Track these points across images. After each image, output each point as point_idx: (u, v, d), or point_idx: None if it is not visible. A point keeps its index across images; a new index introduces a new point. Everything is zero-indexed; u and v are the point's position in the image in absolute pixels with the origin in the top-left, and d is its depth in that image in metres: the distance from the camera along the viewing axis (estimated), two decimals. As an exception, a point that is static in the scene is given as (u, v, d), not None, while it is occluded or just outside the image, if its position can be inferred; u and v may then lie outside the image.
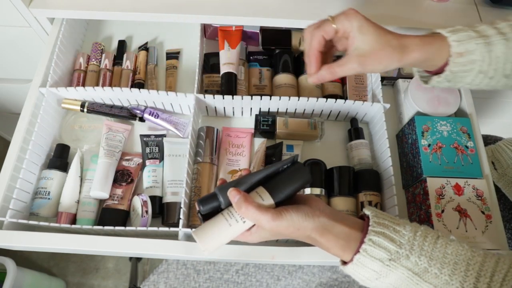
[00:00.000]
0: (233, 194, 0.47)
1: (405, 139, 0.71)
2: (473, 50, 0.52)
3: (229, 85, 0.72)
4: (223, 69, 0.73)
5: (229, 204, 0.48)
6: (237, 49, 0.76)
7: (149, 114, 0.73)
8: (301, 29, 0.81)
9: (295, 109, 0.73)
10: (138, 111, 0.73)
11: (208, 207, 0.48)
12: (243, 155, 0.70)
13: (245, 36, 0.82)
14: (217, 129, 0.72)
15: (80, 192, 0.67)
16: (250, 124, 0.75)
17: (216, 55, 0.77)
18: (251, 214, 0.45)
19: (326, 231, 0.46)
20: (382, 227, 0.45)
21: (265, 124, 0.72)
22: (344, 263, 0.47)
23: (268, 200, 0.47)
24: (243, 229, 0.48)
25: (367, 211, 0.48)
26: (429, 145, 0.65)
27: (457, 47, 0.52)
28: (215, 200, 0.48)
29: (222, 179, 0.53)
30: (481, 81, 0.55)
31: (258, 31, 0.80)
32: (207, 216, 0.48)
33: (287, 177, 0.49)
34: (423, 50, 0.52)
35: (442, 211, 0.60)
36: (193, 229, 0.49)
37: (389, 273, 0.44)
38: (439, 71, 0.56)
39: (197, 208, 0.49)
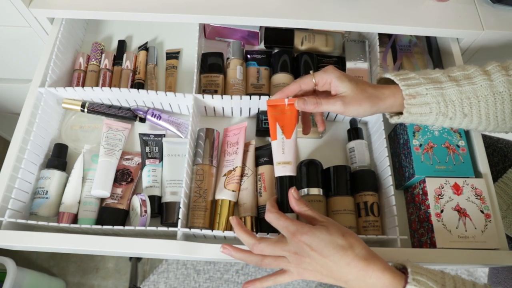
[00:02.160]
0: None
1: (397, 140, 0.71)
2: (425, 94, 0.57)
3: (283, 195, 0.57)
4: (279, 171, 0.58)
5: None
6: (294, 137, 0.59)
7: (152, 116, 0.73)
8: (302, 29, 0.81)
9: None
10: (140, 112, 0.73)
11: None
12: (237, 153, 0.69)
13: (244, 35, 0.82)
14: (217, 131, 0.71)
15: (81, 192, 0.67)
16: (250, 124, 0.75)
17: (214, 54, 0.77)
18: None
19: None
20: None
21: (267, 123, 0.72)
22: None
23: None
24: None
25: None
26: (420, 145, 0.65)
27: (407, 90, 0.57)
28: None
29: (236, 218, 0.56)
30: (443, 123, 0.60)
31: (257, 31, 0.81)
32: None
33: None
34: (393, 98, 0.58)
35: (442, 211, 0.60)
36: None
37: None
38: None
39: None
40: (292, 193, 0.54)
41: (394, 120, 0.61)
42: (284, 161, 0.58)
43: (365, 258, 0.47)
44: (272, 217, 0.52)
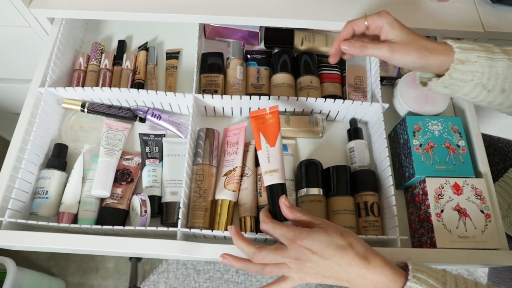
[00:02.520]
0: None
1: (397, 139, 0.71)
2: (474, 62, 0.55)
3: (274, 204, 0.57)
4: (267, 180, 0.58)
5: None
6: (278, 145, 0.60)
7: (152, 116, 0.73)
8: (302, 29, 0.81)
9: (294, 109, 0.73)
10: (140, 112, 0.73)
11: None
12: (237, 152, 0.69)
13: (244, 35, 0.82)
14: (217, 131, 0.71)
15: (81, 192, 0.67)
16: (250, 123, 0.75)
17: (214, 54, 0.77)
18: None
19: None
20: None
21: None
22: None
23: None
24: None
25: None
26: (420, 145, 0.65)
27: (459, 53, 0.55)
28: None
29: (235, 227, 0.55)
30: (478, 95, 0.58)
31: (257, 31, 0.81)
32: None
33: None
34: (445, 56, 0.56)
35: (442, 211, 0.60)
36: None
37: None
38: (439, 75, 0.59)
39: None
40: (283, 201, 0.54)
41: (431, 84, 0.60)
42: (270, 169, 0.58)
43: (365, 256, 0.47)
44: (267, 227, 0.52)
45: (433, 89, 0.60)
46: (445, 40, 0.59)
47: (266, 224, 0.53)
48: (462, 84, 0.57)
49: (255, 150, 0.70)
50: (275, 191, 0.57)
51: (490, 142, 0.82)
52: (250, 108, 0.73)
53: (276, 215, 0.56)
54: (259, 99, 0.69)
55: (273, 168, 0.58)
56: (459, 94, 0.60)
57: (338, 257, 0.47)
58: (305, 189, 0.65)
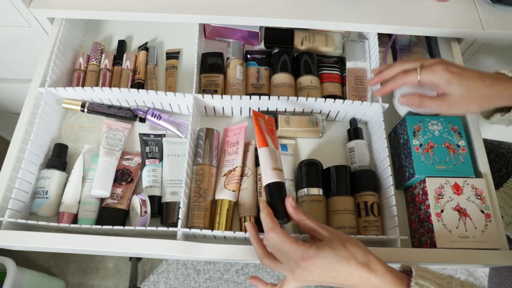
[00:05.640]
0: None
1: (397, 139, 0.71)
2: None
3: (277, 201, 0.56)
4: (273, 175, 0.57)
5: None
6: (279, 150, 0.63)
7: (152, 116, 0.73)
8: (302, 29, 0.81)
9: (294, 109, 0.73)
10: (140, 112, 0.73)
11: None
12: (237, 152, 0.69)
13: (244, 35, 0.82)
14: (217, 131, 0.71)
15: (81, 192, 0.67)
16: (250, 124, 0.75)
17: (214, 54, 0.77)
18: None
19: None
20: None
21: None
22: None
23: None
24: None
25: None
26: (420, 145, 0.65)
27: None
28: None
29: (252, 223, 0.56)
30: None
31: (257, 31, 0.81)
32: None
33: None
34: (497, 100, 0.56)
35: (442, 210, 0.60)
36: None
37: None
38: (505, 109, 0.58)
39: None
40: (290, 202, 0.53)
41: (494, 119, 0.60)
42: (278, 167, 0.59)
43: (367, 264, 0.48)
44: (277, 239, 0.50)
45: (496, 123, 0.60)
46: (504, 72, 0.58)
47: (277, 234, 0.50)
48: None
49: (255, 150, 0.70)
50: (279, 189, 0.57)
51: (491, 148, 0.81)
52: (250, 108, 0.73)
53: (278, 213, 0.55)
54: (259, 99, 0.69)
55: (280, 167, 0.59)
56: None
57: (342, 269, 0.48)
58: (305, 189, 0.65)
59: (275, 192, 0.57)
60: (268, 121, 0.67)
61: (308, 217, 0.52)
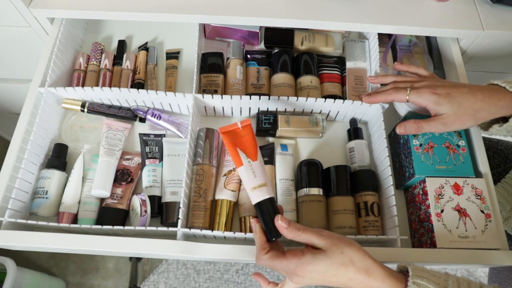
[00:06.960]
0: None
1: (397, 139, 0.71)
2: None
3: (267, 222, 0.54)
4: (257, 195, 0.54)
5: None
6: (260, 158, 0.57)
7: (152, 116, 0.73)
8: (302, 29, 0.81)
9: (294, 109, 0.73)
10: (140, 112, 0.73)
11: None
12: None
13: (244, 35, 0.82)
14: (217, 131, 0.71)
15: (81, 192, 0.67)
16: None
17: (214, 54, 0.77)
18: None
19: None
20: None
21: (267, 122, 0.72)
22: None
23: None
24: None
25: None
26: (420, 145, 0.65)
27: None
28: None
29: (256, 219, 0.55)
30: None
31: (257, 31, 0.81)
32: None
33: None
34: (506, 110, 0.57)
35: (442, 210, 0.60)
36: None
37: None
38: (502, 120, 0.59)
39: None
40: (280, 223, 0.51)
41: (493, 130, 0.61)
42: (259, 184, 0.55)
43: (366, 269, 0.48)
44: (267, 264, 0.51)
45: (495, 134, 0.61)
46: (497, 83, 0.59)
47: (265, 261, 0.51)
48: None
49: None
50: (267, 206, 0.54)
51: (490, 145, 0.82)
52: (250, 108, 0.73)
53: (271, 233, 0.53)
54: (259, 99, 0.69)
55: (261, 183, 0.55)
56: None
57: (340, 275, 0.48)
58: (305, 189, 0.65)
59: (264, 211, 0.54)
60: (242, 130, 0.59)
61: (302, 229, 0.51)
